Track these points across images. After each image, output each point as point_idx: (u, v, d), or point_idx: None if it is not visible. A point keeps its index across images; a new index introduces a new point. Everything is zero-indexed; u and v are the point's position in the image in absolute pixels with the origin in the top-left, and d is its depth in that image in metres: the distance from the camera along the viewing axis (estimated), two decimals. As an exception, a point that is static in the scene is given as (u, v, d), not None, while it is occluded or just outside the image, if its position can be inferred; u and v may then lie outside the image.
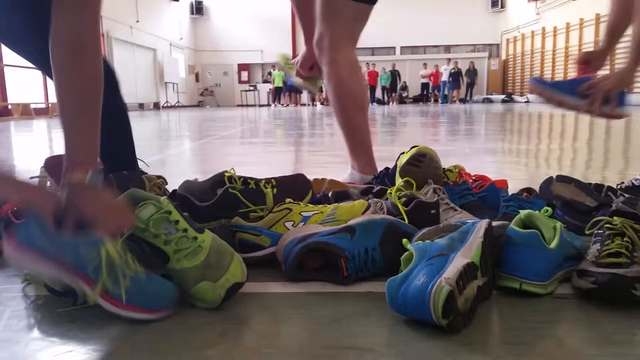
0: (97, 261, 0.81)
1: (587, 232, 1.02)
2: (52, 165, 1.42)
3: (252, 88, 22.92)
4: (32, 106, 11.81)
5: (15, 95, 11.86)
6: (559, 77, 18.04)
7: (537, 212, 0.99)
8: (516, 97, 19.23)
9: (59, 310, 0.89)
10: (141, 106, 17.65)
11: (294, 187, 1.32)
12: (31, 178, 1.50)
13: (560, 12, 17.70)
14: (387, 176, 1.61)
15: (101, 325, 0.83)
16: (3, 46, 0.92)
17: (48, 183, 1.44)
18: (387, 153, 3.23)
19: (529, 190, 1.38)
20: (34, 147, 4.18)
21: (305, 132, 5.50)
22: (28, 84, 12.46)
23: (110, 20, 15.70)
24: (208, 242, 0.91)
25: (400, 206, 1.16)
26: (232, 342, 0.77)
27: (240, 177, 1.30)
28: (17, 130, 6.84)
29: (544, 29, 18.91)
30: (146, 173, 1.62)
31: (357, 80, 1.76)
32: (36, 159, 3.29)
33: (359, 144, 1.81)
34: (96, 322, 0.84)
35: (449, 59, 20.67)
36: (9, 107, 11.43)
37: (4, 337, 0.80)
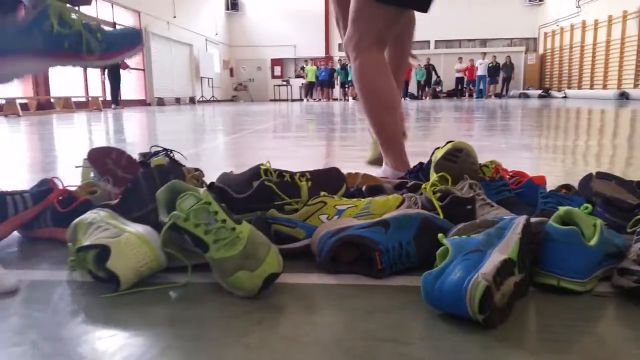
0: (68, 30, 0.83)
1: (628, 230, 1.00)
2: (95, 156, 1.47)
3: (284, 83, 23.04)
4: (73, 99, 12.17)
5: (57, 89, 12.25)
6: (599, 72, 17.48)
7: (576, 208, 0.97)
8: (554, 93, 18.73)
9: (103, 295, 0.92)
10: (177, 100, 17.98)
11: (328, 180, 1.33)
12: (76, 167, 1.56)
13: (602, 4, 17.11)
14: (422, 171, 1.60)
15: (144, 311, 0.86)
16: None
17: (92, 174, 1.50)
18: (420, 148, 3.21)
19: (567, 186, 1.36)
20: (76, 139, 4.32)
21: (337, 126, 5.51)
22: (69, 78, 12.86)
23: (149, 16, 16.03)
24: (246, 233, 0.93)
25: (435, 201, 1.15)
26: (269, 330, 0.79)
27: (275, 170, 1.32)
28: (59, 123, 7.07)
29: (584, 22, 18.34)
30: (184, 165, 1.66)
31: (384, 79, 1.77)
32: (78, 151, 3.40)
33: (389, 141, 1.82)
34: (138, 308, 0.87)
35: (484, 53, 20.29)
36: (52, 100, 11.81)
37: (51, 320, 0.84)
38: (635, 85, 15.08)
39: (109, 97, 13.06)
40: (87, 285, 0.98)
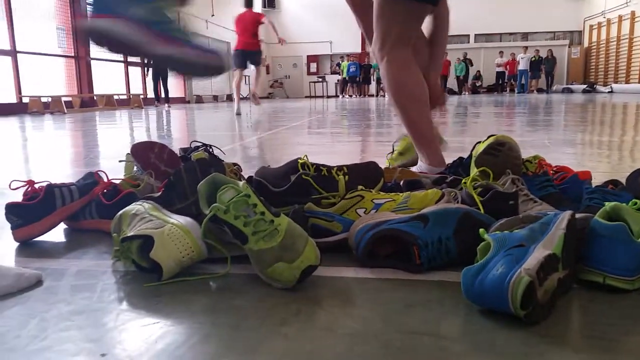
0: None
1: (681, 228, 0.96)
2: (138, 151, 1.51)
3: (320, 79, 23.05)
4: (115, 97, 12.53)
5: (100, 87, 12.63)
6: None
7: (624, 204, 0.94)
8: (599, 87, 18.08)
9: (146, 285, 0.95)
10: (215, 98, 18.25)
11: (366, 174, 1.33)
12: (119, 162, 1.60)
13: (652, -6, 16.39)
14: (461, 166, 1.58)
15: (185, 300, 0.88)
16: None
17: (135, 168, 1.54)
18: (459, 144, 3.16)
19: (614, 182, 1.31)
20: (118, 135, 4.45)
21: (373, 122, 5.48)
22: (111, 76, 13.24)
23: (186, 15, 16.30)
24: (284, 226, 0.94)
25: (475, 196, 1.13)
26: (306, 321, 0.79)
27: (313, 164, 1.33)
28: (101, 119, 7.30)
29: (633, 13, 17.59)
30: (223, 160, 1.68)
31: (411, 75, 1.76)
32: (122, 145, 3.50)
33: (420, 137, 1.81)
34: (180, 297, 0.89)
35: (526, 47, 19.75)
36: (95, 98, 12.19)
37: (96, 307, 0.87)
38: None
39: (150, 95, 13.36)
40: (131, 274, 1.01)
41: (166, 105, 11.51)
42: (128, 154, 1.56)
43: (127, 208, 1.10)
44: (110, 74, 13.11)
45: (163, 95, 11.52)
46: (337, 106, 10.81)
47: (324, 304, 0.86)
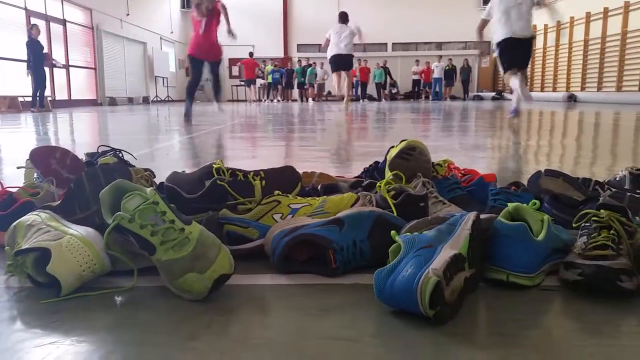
0: None
1: (574, 225, 1.03)
2: (38, 156, 1.40)
3: (243, 83, 22.80)
4: (20, 99, 11.65)
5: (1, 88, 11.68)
6: (549, 75, 18.14)
7: (524, 204, 0.99)
8: (506, 95, 19.32)
9: (43, 301, 0.88)
10: (130, 100, 17.50)
11: (283, 179, 1.31)
12: (17, 168, 1.48)
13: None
14: (377, 170, 1.61)
15: (85, 317, 0.82)
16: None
17: (35, 175, 1.43)
18: (378, 148, 3.23)
19: (517, 184, 1.39)
20: (20, 141, 4.14)
21: (296, 127, 5.49)
22: (15, 76, 12.28)
23: (100, 13, 15.54)
24: (195, 234, 0.90)
25: (389, 199, 1.16)
26: (218, 333, 0.76)
27: (228, 169, 1.29)
28: (4, 122, 6.76)
29: (534, 26, 19.00)
30: (134, 166, 1.61)
31: None
32: (25, 151, 3.25)
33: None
34: (80, 314, 0.83)
35: (440, 56, 20.68)
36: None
37: (-14, 328, 0.79)
38: (583, 89, 15.73)
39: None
40: (26, 290, 0.93)
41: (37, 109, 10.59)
42: (28, 160, 1.44)
43: (22, 218, 1.02)
44: (13, 73, 12.14)
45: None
46: (260, 110, 10.73)
47: (238, 314, 0.84)
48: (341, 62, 8.83)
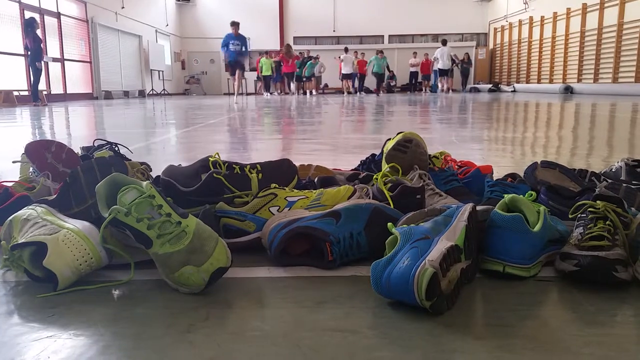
0: None
1: (570, 216, 1.03)
2: (33, 150, 1.39)
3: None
4: (15, 93, 11.58)
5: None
6: (546, 67, 18.13)
7: (521, 196, 0.99)
8: (503, 87, 19.31)
9: (39, 296, 0.88)
10: (126, 94, 17.42)
11: (280, 172, 1.31)
12: (13, 162, 1.48)
13: (548, 1, 17.74)
14: (374, 162, 1.61)
15: (82, 311, 0.82)
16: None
17: (31, 169, 1.42)
18: (375, 141, 3.23)
19: (513, 175, 1.39)
20: (18, 133, 4.12)
21: (293, 120, 5.48)
22: (11, 70, 12.20)
23: (95, 6, 15.44)
24: (192, 227, 0.90)
25: (385, 191, 1.16)
26: (215, 326, 0.76)
27: (225, 162, 1.29)
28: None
29: (531, 18, 18.96)
30: (130, 159, 1.60)
31: None
32: (20, 145, 3.23)
33: None
34: (77, 308, 0.83)
35: (437, 48, 20.60)
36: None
37: (-17, 323, 0.78)
38: (579, 80, 15.74)
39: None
40: (23, 285, 0.93)
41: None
42: (23, 154, 1.44)
43: (18, 213, 1.01)
44: (9, 67, 12.06)
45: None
46: (257, 103, 10.71)
47: (235, 307, 0.84)
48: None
